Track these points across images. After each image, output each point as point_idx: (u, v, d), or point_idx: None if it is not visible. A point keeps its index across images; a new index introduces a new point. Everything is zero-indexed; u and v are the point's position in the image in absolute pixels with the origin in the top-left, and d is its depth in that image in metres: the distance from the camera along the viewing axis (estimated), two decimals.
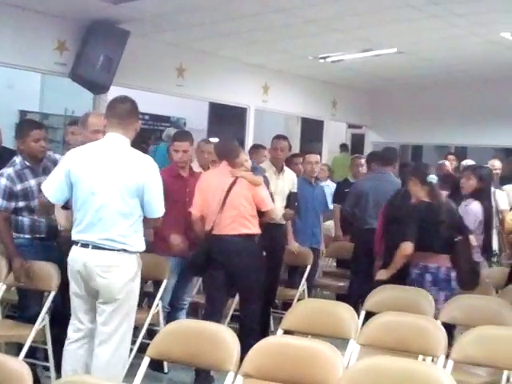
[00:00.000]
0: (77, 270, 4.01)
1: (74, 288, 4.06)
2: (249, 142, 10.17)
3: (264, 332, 5.83)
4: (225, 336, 3.06)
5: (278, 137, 6.63)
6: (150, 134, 11.99)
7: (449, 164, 8.84)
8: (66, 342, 4.11)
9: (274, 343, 3.06)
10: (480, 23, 7.56)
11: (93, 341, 4.07)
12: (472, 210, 5.85)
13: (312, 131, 12.50)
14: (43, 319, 4.50)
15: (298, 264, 6.78)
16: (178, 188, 5.42)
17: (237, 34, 8.44)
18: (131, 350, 4.90)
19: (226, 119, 12.00)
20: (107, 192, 3.94)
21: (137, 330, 5.02)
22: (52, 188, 4.07)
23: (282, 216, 6.35)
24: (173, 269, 5.37)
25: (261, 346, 2.99)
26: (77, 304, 4.08)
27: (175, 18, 7.69)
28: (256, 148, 7.60)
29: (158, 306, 5.16)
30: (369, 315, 4.26)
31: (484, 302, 4.49)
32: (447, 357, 3.44)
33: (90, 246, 3.95)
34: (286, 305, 6.61)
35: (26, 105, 10.81)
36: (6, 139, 6.61)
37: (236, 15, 7.50)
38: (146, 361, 3.21)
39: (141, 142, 7.13)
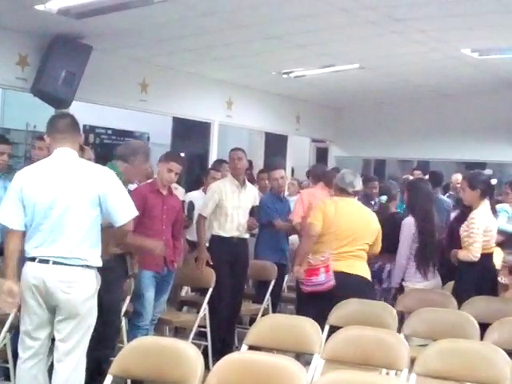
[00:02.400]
0: (34, 285, 3.89)
1: (30, 304, 3.93)
2: (212, 157, 10.19)
3: (228, 348, 5.82)
4: (188, 352, 3.03)
5: (233, 149, 6.64)
6: (112, 149, 11.89)
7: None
8: (19, 362, 4.02)
9: (237, 359, 3.04)
10: (441, 40, 7.68)
11: (45, 358, 4.02)
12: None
13: (276, 146, 12.53)
14: (4, 338, 4.42)
15: (262, 278, 6.79)
16: (155, 203, 5.46)
17: (200, 50, 8.45)
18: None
19: (190, 134, 11.96)
20: (67, 206, 3.89)
21: None
22: (9, 214, 3.99)
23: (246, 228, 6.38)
24: (147, 281, 5.35)
25: (224, 362, 2.97)
26: (31, 321, 3.96)
27: (138, 34, 7.67)
28: (219, 163, 7.62)
29: (121, 322, 5.10)
30: (333, 329, 4.27)
31: (446, 315, 4.53)
32: (410, 371, 3.46)
33: (51, 262, 3.88)
34: (253, 320, 6.62)
35: None
36: None
37: (199, 31, 7.51)
38: (108, 379, 3.16)
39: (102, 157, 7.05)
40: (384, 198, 6.94)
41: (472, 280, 5.47)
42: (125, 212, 4.02)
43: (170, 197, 5.62)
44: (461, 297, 5.21)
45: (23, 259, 3.99)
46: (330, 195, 6.02)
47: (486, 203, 5.59)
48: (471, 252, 5.44)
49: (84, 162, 4.10)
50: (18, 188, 3.96)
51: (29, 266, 3.95)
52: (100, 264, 4.05)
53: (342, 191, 5.57)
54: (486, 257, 5.59)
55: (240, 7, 6.70)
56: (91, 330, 4.02)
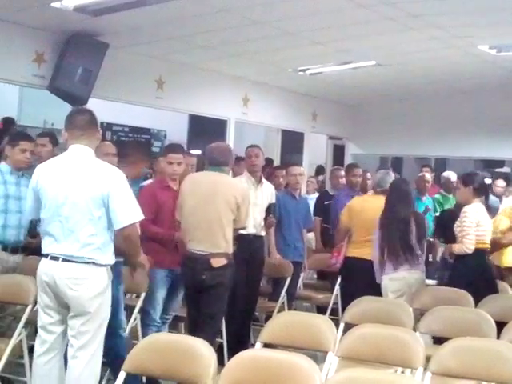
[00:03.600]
0: (46, 282, 3.97)
1: (44, 300, 4.02)
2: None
3: (244, 345, 5.80)
4: (201, 349, 3.02)
5: (250, 146, 6.62)
6: (128, 147, 11.90)
7: (429, 176, 8.88)
8: (34, 356, 4.07)
9: (250, 357, 3.03)
10: (458, 36, 7.62)
11: (61, 353, 4.05)
12: None
13: (292, 143, 12.50)
14: (20, 333, 4.44)
15: (277, 276, 6.77)
16: (166, 198, 5.41)
17: (216, 46, 8.44)
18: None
19: (206, 131, 11.95)
20: (75, 204, 3.92)
21: None
22: (31, 209, 4.19)
23: (263, 226, 6.36)
24: (160, 281, 5.32)
25: (237, 360, 2.96)
26: (46, 315, 4.03)
27: (154, 31, 7.67)
28: (236, 160, 7.60)
29: (136, 319, 5.10)
30: (348, 327, 4.25)
31: (462, 314, 4.50)
32: (425, 369, 3.43)
33: (60, 259, 3.93)
34: (268, 317, 6.60)
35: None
36: None
37: (215, 27, 7.50)
38: (121, 375, 3.16)
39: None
40: None
41: (464, 276, 5.60)
42: (125, 215, 3.97)
43: None
44: None
45: None
46: None
47: (479, 201, 5.76)
48: (465, 244, 5.59)
49: (96, 160, 4.09)
50: (35, 184, 4.06)
51: (42, 263, 4.03)
52: (111, 262, 4.06)
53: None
54: (480, 252, 5.68)
55: (256, 3, 6.68)
56: (104, 326, 4.04)
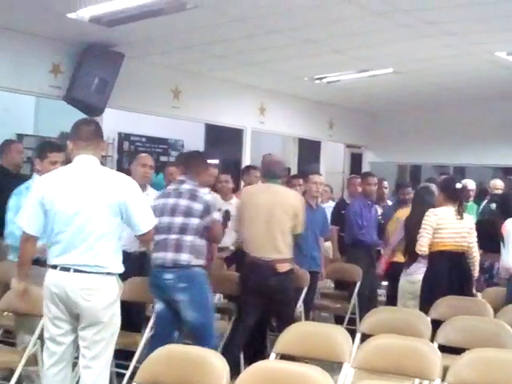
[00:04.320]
0: (56, 293, 3.93)
1: (53, 311, 3.98)
2: (246, 164, 10.15)
3: (260, 355, 5.74)
4: (213, 361, 2.99)
5: (266, 155, 6.55)
6: None
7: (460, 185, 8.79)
8: (44, 368, 4.04)
9: (263, 368, 2.98)
10: (474, 42, 7.55)
11: (70, 364, 4.04)
12: None
13: (310, 152, 12.47)
14: (35, 344, 4.42)
15: (294, 285, 6.70)
16: None
17: (231, 56, 8.44)
18: (124, 375, 4.86)
19: (223, 141, 11.96)
20: (88, 214, 3.90)
21: (130, 354, 4.97)
22: (28, 220, 4.02)
23: None
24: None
25: (250, 371, 2.92)
26: (54, 327, 3.99)
27: (169, 41, 7.69)
28: (247, 169, 7.58)
29: (151, 329, 5.07)
30: (365, 337, 4.20)
31: (481, 324, 4.43)
32: (443, 380, 3.37)
33: (72, 270, 3.89)
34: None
35: (21, 128, 10.79)
36: None
37: (230, 37, 7.49)
38: None
39: None
40: (493, 206, 7.67)
41: (424, 279, 5.88)
42: (145, 221, 4.02)
43: None
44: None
45: None
46: None
47: (451, 205, 5.88)
48: (417, 246, 5.84)
49: (105, 169, 4.10)
50: (40, 195, 3.96)
51: (50, 274, 3.97)
52: (121, 270, 4.05)
53: None
54: (437, 255, 5.78)
55: (271, 12, 6.65)
56: (115, 336, 4.03)
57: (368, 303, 6.71)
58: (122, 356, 5.16)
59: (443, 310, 5.03)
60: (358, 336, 4.41)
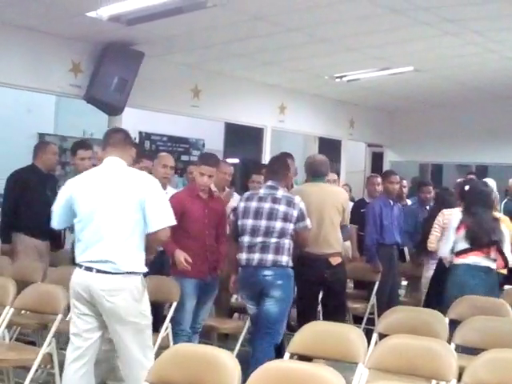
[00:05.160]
0: (80, 292, 4.03)
1: (80, 308, 4.07)
2: (266, 163, 10.13)
3: (278, 354, 5.72)
4: (225, 360, 2.96)
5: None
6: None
7: None
8: (66, 363, 4.09)
9: (275, 368, 2.95)
10: (496, 40, 7.47)
11: (92, 361, 4.09)
12: None
13: (330, 151, 12.40)
14: (50, 343, 4.44)
15: None
16: (196, 208, 5.35)
17: (251, 55, 8.43)
18: None
19: (243, 140, 11.95)
20: (109, 212, 4.01)
21: None
22: (57, 216, 4.24)
23: None
24: (190, 291, 5.27)
25: (261, 371, 2.89)
26: (83, 324, 4.08)
27: (189, 39, 7.69)
28: (260, 166, 7.56)
29: (167, 328, 5.07)
30: (382, 337, 4.16)
31: (499, 324, 4.37)
32: (459, 381, 3.32)
33: (94, 270, 3.98)
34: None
35: (42, 128, 10.86)
36: (26, 161, 6.75)
37: (250, 35, 7.48)
38: None
39: None
40: None
41: (433, 276, 6.49)
42: (158, 220, 4.05)
43: (212, 200, 5.46)
44: None
45: None
46: None
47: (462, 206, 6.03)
48: (427, 242, 6.39)
49: (130, 170, 4.22)
50: (68, 194, 4.15)
51: (76, 273, 4.09)
52: (145, 269, 4.09)
53: None
54: None
55: (290, 10, 6.63)
56: (147, 331, 4.12)
57: (388, 303, 6.65)
58: None
59: (461, 310, 4.96)
60: (375, 336, 4.37)
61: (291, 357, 3.77)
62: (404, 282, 7.86)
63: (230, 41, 7.73)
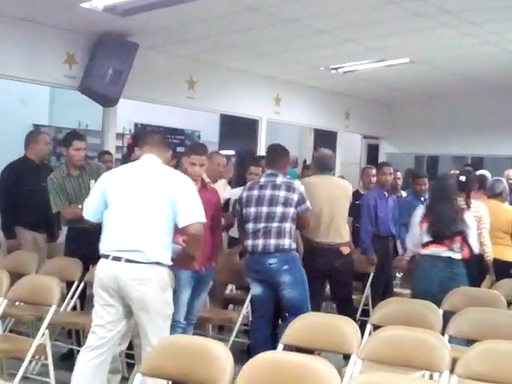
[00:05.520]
0: (107, 282, 4.12)
1: (105, 298, 4.16)
2: (261, 154, 10.11)
3: (272, 346, 5.72)
4: (218, 352, 2.95)
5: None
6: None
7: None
8: (84, 351, 4.17)
9: (268, 359, 2.95)
10: (493, 32, 7.46)
11: (110, 354, 4.19)
12: None
13: (326, 142, 12.38)
14: (43, 334, 4.43)
15: None
16: None
17: (247, 46, 8.40)
18: (132, 365, 4.86)
19: (238, 131, 11.93)
20: (141, 205, 4.16)
21: None
22: (90, 208, 4.41)
23: None
24: (185, 283, 5.26)
25: (255, 362, 2.89)
26: (106, 314, 4.17)
27: (184, 31, 7.65)
28: (258, 158, 7.53)
29: None
30: (376, 329, 4.16)
31: (493, 315, 4.36)
32: (452, 372, 3.32)
33: (123, 260, 4.08)
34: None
35: (37, 119, 10.84)
36: (21, 152, 6.69)
37: (245, 27, 7.46)
38: (137, 378, 3.12)
39: None
40: None
41: None
42: (188, 215, 4.18)
43: (205, 191, 5.38)
44: None
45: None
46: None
47: (460, 197, 6.13)
48: None
49: (164, 167, 4.39)
50: (103, 186, 4.33)
51: (102, 263, 4.18)
52: (170, 263, 4.24)
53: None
54: None
55: (287, 1, 6.62)
56: (167, 322, 4.26)
57: (382, 295, 6.65)
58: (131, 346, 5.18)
59: (455, 302, 4.96)
60: (369, 327, 4.37)
61: (284, 348, 3.77)
62: (399, 274, 7.85)
63: (226, 32, 7.69)
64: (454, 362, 3.38)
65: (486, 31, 7.45)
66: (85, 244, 5.50)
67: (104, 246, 4.19)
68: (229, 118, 11.27)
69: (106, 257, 4.14)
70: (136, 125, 12.50)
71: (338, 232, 6.02)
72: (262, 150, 10.26)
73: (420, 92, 11.28)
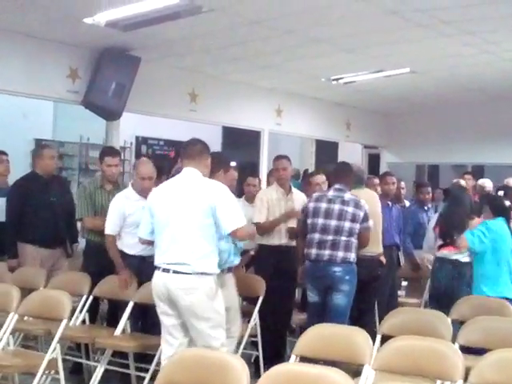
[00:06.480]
0: (161, 292, 4.40)
1: (161, 308, 4.46)
2: (263, 166, 10.17)
3: (280, 357, 5.74)
4: (234, 364, 2.97)
5: (278, 157, 6.57)
6: (164, 160, 11.90)
7: (465, 183, 8.67)
8: (163, 358, 4.46)
9: (284, 371, 2.96)
10: (492, 41, 7.50)
11: None
12: None
13: (327, 153, 12.44)
14: (54, 349, 4.44)
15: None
16: None
17: (248, 58, 8.45)
18: (144, 378, 4.87)
19: (240, 143, 11.96)
20: (182, 218, 4.38)
21: (151, 357, 4.98)
22: (144, 228, 4.67)
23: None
24: None
25: (271, 374, 2.90)
26: (167, 321, 4.47)
27: (185, 44, 7.71)
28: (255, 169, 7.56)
29: None
30: (385, 339, 4.17)
31: (503, 324, 4.38)
32: (465, 381, 3.34)
33: (171, 271, 4.35)
34: (303, 330, 6.52)
35: (40, 133, 10.86)
36: (23, 167, 6.67)
37: (246, 39, 7.51)
38: None
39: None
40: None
41: None
42: (229, 222, 4.39)
43: None
44: None
45: None
46: None
47: None
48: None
49: (203, 179, 4.56)
50: (150, 203, 4.61)
51: (156, 275, 4.48)
52: (217, 271, 4.46)
53: None
54: None
55: (286, 13, 6.65)
56: (221, 328, 4.45)
57: (387, 304, 6.66)
58: (143, 359, 5.20)
59: (464, 311, 4.99)
60: (379, 337, 4.38)
61: (301, 360, 3.77)
62: (404, 283, 7.86)
63: (227, 45, 7.75)
64: (466, 371, 3.40)
65: (484, 41, 7.49)
66: (101, 258, 5.57)
67: (156, 259, 4.48)
68: (231, 129, 11.31)
69: (158, 268, 4.44)
70: (137, 138, 12.52)
71: (379, 242, 6.29)
72: (264, 161, 10.30)
73: (420, 102, 11.31)
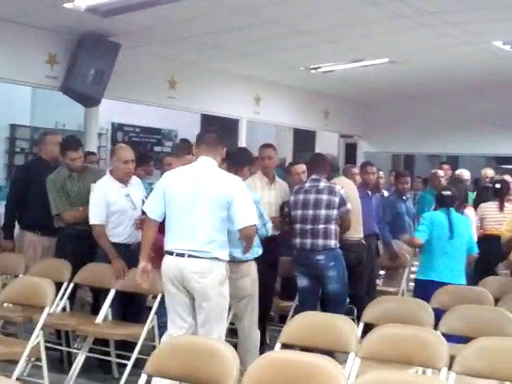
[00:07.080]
0: (173, 275, 4.46)
1: (173, 291, 4.52)
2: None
3: (260, 345, 5.75)
4: (223, 351, 2.98)
5: (264, 145, 6.58)
6: (140, 147, 11.82)
7: (443, 173, 8.75)
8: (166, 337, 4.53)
9: (273, 359, 2.98)
10: (471, 32, 7.56)
11: None
12: None
13: (304, 141, 12.46)
14: (37, 336, 4.42)
15: (291, 275, 6.69)
16: None
17: (228, 46, 8.42)
18: (124, 365, 4.87)
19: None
20: (200, 206, 4.43)
21: (132, 345, 4.97)
22: (152, 206, 4.64)
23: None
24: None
25: (261, 362, 2.92)
26: (177, 302, 4.53)
27: (165, 31, 7.65)
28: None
29: (152, 320, 5.07)
30: (367, 327, 4.21)
31: (484, 312, 4.44)
32: (449, 369, 3.38)
33: (186, 255, 4.42)
34: (283, 317, 6.56)
35: (16, 119, 10.75)
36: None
37: (226, 27, 7.48)
38: (143, 378, 3.13)
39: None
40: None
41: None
42: (242, 219, 4.49)
43: None
44: None
45: None
46: None
47: None
48: None
49: (219, 170, 4.64)
50: (164, 187, 4.59)
51: (168, 259, 4.52)
52: (227, 258, 4.58)
53: None
54: None
55: (267, 3, 6.64)
56: (224, 314, 4.61)
57: (366, 293, 6.71)
58: (124, 347, 5.19)
59: (444, 299, 5.04)
60: (361, 326, 4.42)
61: (282, 347, 3.80)
62: (382, 272, 7.93)
63: (207, 32, 7.71)
64: (450, 359, 3.44)
65: (464, 32, 7.55)
66: (79, 246, 5.57)
67: (168, 244, 4.52)
68: (210, 117, 11.27)
69: (171, 253, 4.48)
70: (113, 124, 12.45)
71: (361, 227, 6.59)
72: None
73: (398, 92, 11.38)
